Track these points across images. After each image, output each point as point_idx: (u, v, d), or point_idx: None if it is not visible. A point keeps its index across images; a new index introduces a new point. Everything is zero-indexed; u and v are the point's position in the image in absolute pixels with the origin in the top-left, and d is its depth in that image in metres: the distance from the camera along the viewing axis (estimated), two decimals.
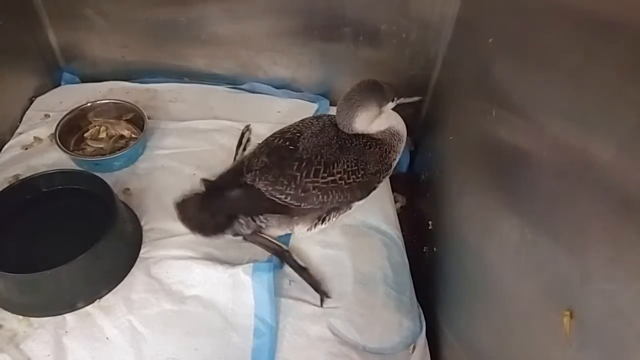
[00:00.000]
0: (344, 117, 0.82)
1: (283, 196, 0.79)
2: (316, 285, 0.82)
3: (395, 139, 0.86)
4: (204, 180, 0.84)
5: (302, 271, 0.84)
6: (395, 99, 0.86)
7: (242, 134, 1.08)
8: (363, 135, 0.84)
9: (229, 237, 0.84)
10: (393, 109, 0.88)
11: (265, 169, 0.80)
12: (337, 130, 0.84)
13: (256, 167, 0.81)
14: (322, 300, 0.81)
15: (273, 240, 0.87)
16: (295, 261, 0.85)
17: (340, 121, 0.83)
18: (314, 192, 0.79)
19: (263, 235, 0.86)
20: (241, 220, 0.83)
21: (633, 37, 0.43)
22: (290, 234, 0.89)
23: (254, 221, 0.83)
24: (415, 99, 0.92)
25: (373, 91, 0.82)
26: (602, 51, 0.47)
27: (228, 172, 0.86)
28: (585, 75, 0.50)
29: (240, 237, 0.87)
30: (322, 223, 0.85)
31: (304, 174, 0.78)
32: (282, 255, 0.86)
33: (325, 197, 0.80)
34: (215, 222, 0.82)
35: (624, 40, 0.44)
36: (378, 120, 0.84)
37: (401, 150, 0.89)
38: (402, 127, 0.88)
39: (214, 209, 0.81)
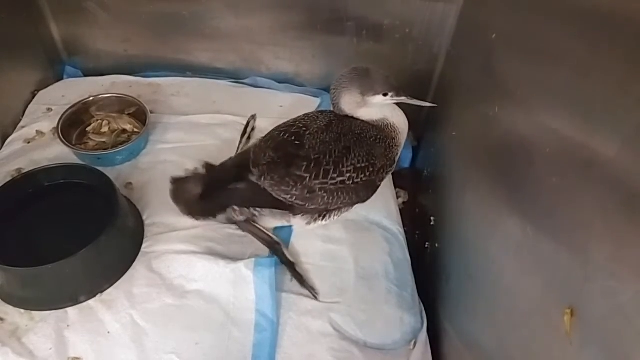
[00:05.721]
0: (333, 97, 0.83)
1: (288, 196, 0.79)
2: (301, 281, 0.82)
3: (393, 131, 0.85)
4: (206, 164, 0.83)
5: (289, 266, 0.83)
6: (391, 94, 0.81)
7: (248, 123, 1.08)
8: (373, 128, 0.83)
9: (220, 222, 0.84)
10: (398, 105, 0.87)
11: (272, 165, 0.79)
12: (350, 125, 0.82)
13: (263, 162, 0.80)
14: (314, 293, 0.81)
15: (265, 231, 0.87)
16: (284, 255, 0.85)
17: (332, 102, 0.84)
18: (320, 193, 0.78)
19: (256, 224, 0.86)
20: (235, 207, 0.83)
21: (638, 32, 0.42)
22: (292, 229, 0.89)
23: (248, 209, 0.83)
24: (426, 104, 0.85)
25: (360, 77, 0.81)
26: (606, 46, 0.47)
27: (231, 162, 0.86)
28: (589, 71, 0.49)
29: (241, 231, 0.87)
30: (322, 219, 0.85)
31: (312, 175, 0.77)
32: (273, 247, 0.85)
33: (330, 198, 0.79)
34: (208, 207, 0.82)
35: (628, 35, 0.44)
36: (367, 109, 0.83)
37: (402, 143, 0.88)
38: (399, 120, 0.86)
39: (211, 196, 0.81)
